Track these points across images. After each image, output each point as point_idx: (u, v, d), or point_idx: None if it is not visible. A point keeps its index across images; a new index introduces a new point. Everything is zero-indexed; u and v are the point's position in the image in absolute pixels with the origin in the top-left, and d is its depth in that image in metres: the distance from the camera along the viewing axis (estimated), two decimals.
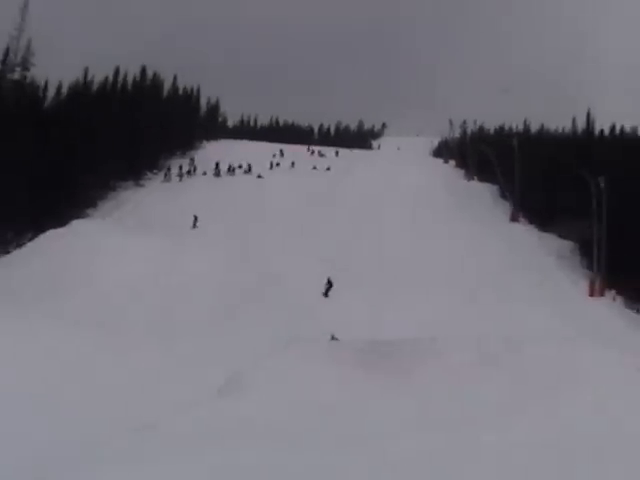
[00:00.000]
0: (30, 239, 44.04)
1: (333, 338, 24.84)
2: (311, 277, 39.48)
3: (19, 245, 45.03)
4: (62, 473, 9.86)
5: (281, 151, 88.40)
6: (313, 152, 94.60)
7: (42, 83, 67.26)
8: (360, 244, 49.06)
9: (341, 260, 44.41)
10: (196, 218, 51.35)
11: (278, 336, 23.90)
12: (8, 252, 44.56)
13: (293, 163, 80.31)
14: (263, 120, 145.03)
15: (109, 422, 14.10)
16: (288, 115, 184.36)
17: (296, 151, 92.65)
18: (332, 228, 52.72)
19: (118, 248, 39.94)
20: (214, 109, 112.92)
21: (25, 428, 14.24)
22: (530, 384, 14.94)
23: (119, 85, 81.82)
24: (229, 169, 74.87)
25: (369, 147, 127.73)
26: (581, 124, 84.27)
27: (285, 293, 37.25)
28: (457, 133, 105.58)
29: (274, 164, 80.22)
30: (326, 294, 38.13)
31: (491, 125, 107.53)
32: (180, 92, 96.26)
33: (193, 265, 39.63)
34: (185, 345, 26.63)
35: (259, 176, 71.95)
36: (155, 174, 73.63)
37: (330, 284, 38.57)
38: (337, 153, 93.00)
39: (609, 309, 42.02)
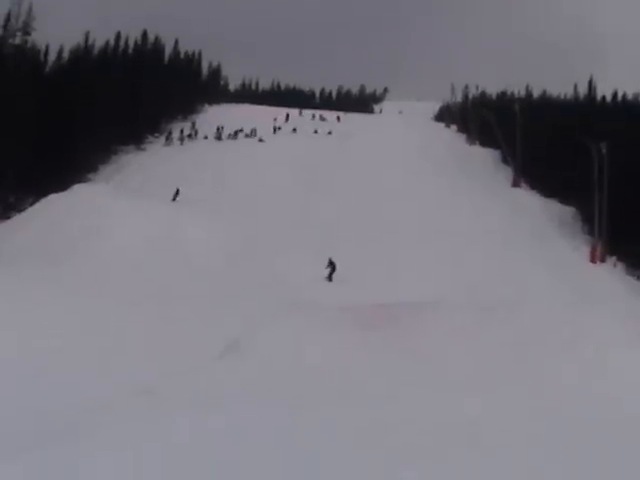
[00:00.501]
0: (31, 204, 43.92)
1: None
2: (311, 246, 39.40)
3: (20, 210, 44.94)
4: (62, 437, 9.78)
5: (287, 116, 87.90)
6: (314, 116, 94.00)
7: (43, 48, 66.98)
8: (361, 207, 48.89)
9: (344, 221, 44.56)
10: (178, 191, 48.62)
11: (279, 302, 23.75)
12: (9, 217, 44.51)
13: (294, 128, 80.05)
14: (265, 84, 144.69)
15: (110, 387, 13.91)
16: (290, 79, 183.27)
17: (297, 115, 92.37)
18: (333, 191, 52.66)
19: (119, 212, 39.67)
20: (215, 73, 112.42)
21: (26, 393, 14.00)
22: (531, 346, 15.01)
23: (120, 50, 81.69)
24: (234, 133, 74.57)
25: (371, 111, 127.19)
26: (583, 91, 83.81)
27: (285, 261, 37.01)
28: (459, 98, 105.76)
29: (276, 128, 79.88)
30: (330, 278, 35.70)
31: (493, 90, 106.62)
32: (181, 56, 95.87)
33: (192, 229, 39.47)
34: (185, 311, 26.36)
35: (260, 139, 71.99)
36: (156, 138, 73.47)
37: (333, 266, 35.84)
38: (339, 118, 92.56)
39: (610, 275, 42.00)
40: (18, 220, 41.24)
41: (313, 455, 9.27)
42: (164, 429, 9.86)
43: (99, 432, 9.82)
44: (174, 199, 47.88)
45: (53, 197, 41.84)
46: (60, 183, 45.28)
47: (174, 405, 11.41)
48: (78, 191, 42.89)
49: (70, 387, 14.29)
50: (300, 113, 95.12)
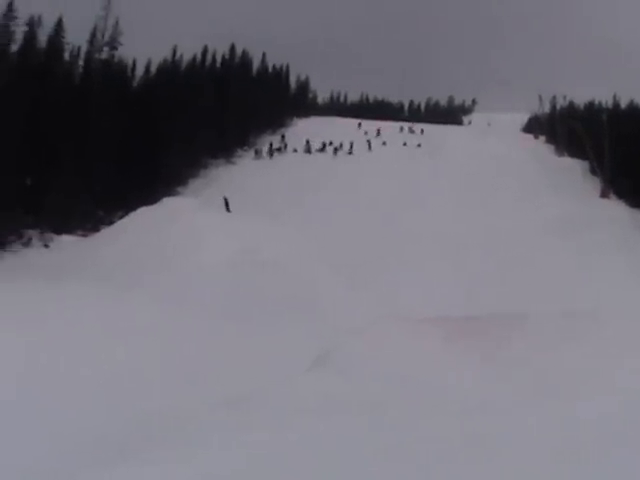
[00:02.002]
0: (121, 217, 43.43)
1: None
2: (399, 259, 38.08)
3: (110, 223, 44.59)
4: (153, 443, 10.01)
5: (378, 130, 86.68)
6: (402, 128, 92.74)
7: (130, 62, 67.33)
8: (450, 219, 47.63)
9: (436, 234, 43.19)
10: (226, 201, 46.15)
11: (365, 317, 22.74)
12: (98, 230, 44.18)
13: (384, 142, 78.94)
14: (353, 97, 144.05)
15: (194, 397, 14.40)
16: (378, 91, 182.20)
17: (387, 128, 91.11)
18: (424, 204, 51.36)
19: (208, 225, 38.71)
20: (304, 86, 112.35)
21: (119, 401, 14.73)
22: (615, 359, 13.75)
23: (208, 64, 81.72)
24: (323, 146, 73.73)
25: (459, 123, 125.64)
26: None
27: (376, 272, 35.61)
28: (547, 109, 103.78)
29: (365, 140, 78.76)
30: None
31: (581, 101, 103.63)
32: (269, 70, 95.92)
33: (281, 243, 38.32)
34: (273, 323, 25.50)
35: (349, 152, 71.22)
36: (246, 151, 73.33)
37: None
38: (422, 131, 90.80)
39: None
40: (107, 233, 40.69)
41: (404, 468, 8.60)
42: (246, 440, 9.68)
43: (182, 440, 10.01)
44: (227, 209, 45.56)
45: (142, 210, 41.16)
46: (149, 197, 44.69)
47: (257, 417, 11.31)
48: (167, 204, 42.05)
49: (157, 394, 15.33)
50: (389, 125, 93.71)
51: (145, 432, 11.31)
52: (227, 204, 44.93)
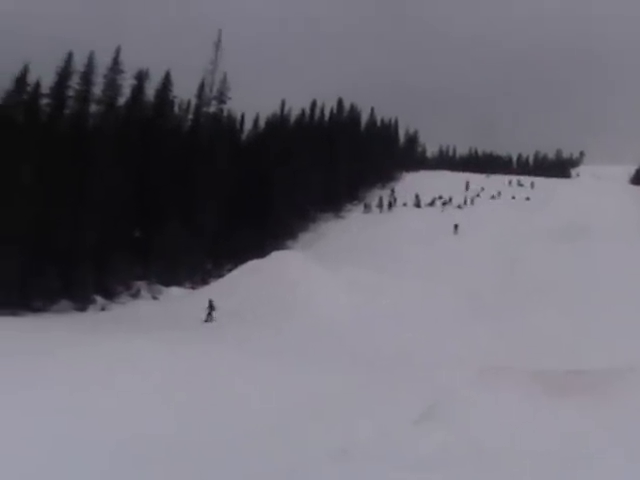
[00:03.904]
0: (229, 270, 42.82)
1: None
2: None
3: (218, 276, 44.02)
4: None
5: (482, 188, 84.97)
6: (510, 182, 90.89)
7: (239, 116, 67.54)
8: (563, 275, 45.40)
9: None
10: (211, 305, 34.24)
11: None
12: (207, 283, 43.63)
13: (493, 195, 77.30)
14: (462, 150, 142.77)
15: (305, 448, 14.23)
16: (486, 145, 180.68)
17: (495, 181, 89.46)
18: (530, 255, 49.46)
19: (317, 279, 37.87)
20: (413, 139, 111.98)
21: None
22: None
23: (316, 118, 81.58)
24: (432, 201, 72.64)
25: (567, 176, 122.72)
26: None
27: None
28: None
29: (474, 195, 77.22)
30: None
31: None
32: (378, 124, 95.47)
33: (390, 297, 37.06)
34: (385, 375, 24.19)
35: (459, 207, 69.82)
36: (355, 205, 72.79)
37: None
38: (532, 184, 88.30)
39: None
40: (217, 286, 40.07)
41: None
42: None
43: None
44: (210, 315, 34.15)
45: (252, 263, 40.50)
46: (258, 250, 44.15)
47: (369, 467, 11.33)
48: (276, 258, 41.37)
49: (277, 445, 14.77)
50: (498, 179, 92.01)
51: None
52: (211, 309, 34.00)
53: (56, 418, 14.68)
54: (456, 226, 59.56)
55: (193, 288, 44.52)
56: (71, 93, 53.41)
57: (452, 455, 11.97)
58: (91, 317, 38.76)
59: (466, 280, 43.64)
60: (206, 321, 33.34)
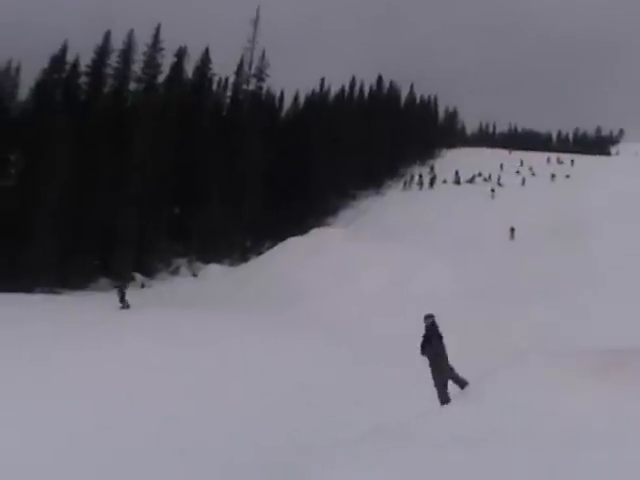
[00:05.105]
0: (269, 247, 42.57)
1: None
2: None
3: (258, 253, 43.84)
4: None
5: (521, 161, 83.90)
6: (549, 159, 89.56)
7: (278, 93, 67.25)
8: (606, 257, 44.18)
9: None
10: (122, 291, 30.83)
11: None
12: (247, 260, 43.48)
13: (533, 172, 76.09)
14: (501, 127, 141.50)
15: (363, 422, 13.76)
16: (526, 122, 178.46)
17: (534, 159, 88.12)
18: (575, 235, 48.09)
19: (357, 255, 37.40)
20: (452, 117, 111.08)
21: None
22: None
23: (356, 95, 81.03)
24: (472, 177, 71.81)
25: (607, 153, 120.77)
26: None
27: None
28: None
29: (513, 172, 76.18)
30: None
31: None
32: (417, 101, 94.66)
33: (428, 276, 36.47)
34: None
35: (499, 183, 68.81)
36: (395, 182, 72.05)
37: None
38: (572, 162, 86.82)
39: None
40: (257, 263, 39.89)
41: None
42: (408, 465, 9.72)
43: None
44: (122, 301, 30.00)
45: (291, 241, 40.20)
46: (298, 227, 43.88)
47: (418, 443, 11.14)
48: (317, 235, 41.00)
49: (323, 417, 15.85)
50: (537, 156, 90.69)
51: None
52: (123, 294, 30.33)
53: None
54: (492, 190, 58.96)
55: (233, 265, 44.39)
56: (110, 71, 53.71)
57: (498, 435, 11.51)
58: (130, 294, 38.95)
59: (512, 257, 42.85)
60: (122, 308, 28.78)
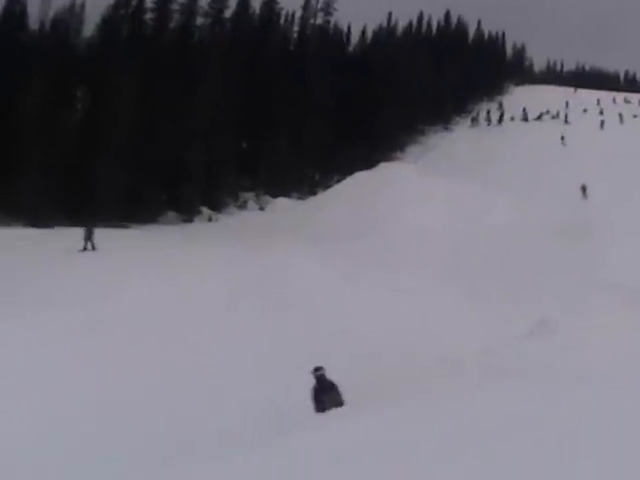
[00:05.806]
0: (337, 181, 42.45)
1: None
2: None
3: (326, 187, 43.75)
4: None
5: (598, 100, 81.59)
6: (615, 99, 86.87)
7: (345, 28, 66.53)
8: None
9: None
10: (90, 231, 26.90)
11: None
12: (315, 194, 43.48)
13: (601, 111, 73.92)
14: (569, 65, 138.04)
15: (416, 355, 15.33)
16: (595, 60, 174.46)
17: (602, 97, 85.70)
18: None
19: (424, 190, 36.95)
20: (520, 54, 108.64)
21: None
22: None
23: (423, 30, 79.96)
24: (540, 115, 70.43)
25: None
26: None
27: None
28: None
29: (580, 110, 74.35)
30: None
31: None
32: (485, 37, 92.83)
33: (496, 211, 35.81)
34: (493, 289, 23.99)
35: (566, 122, 67.38)
36: (463, 118, 71.27)
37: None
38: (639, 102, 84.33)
39: None
40: (324, 197, 39.78)
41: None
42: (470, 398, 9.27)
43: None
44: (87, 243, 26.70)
45: (359, 175, 39.93)
46: (366, 161, 43.60)
47: (481, 376, 11.70)
48: (384, 169, 40.68)
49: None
50: (604, 95, 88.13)
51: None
52: (90, 233, 26.63)
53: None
54: (562, 138, 57.77)
55: (301, 199, 44.41)
56: (176, 7, 53.46)
57: (555, 371, 11.84)
58: (196, 227, 39.29)
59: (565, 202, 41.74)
60: (84, 249, 25.79)
